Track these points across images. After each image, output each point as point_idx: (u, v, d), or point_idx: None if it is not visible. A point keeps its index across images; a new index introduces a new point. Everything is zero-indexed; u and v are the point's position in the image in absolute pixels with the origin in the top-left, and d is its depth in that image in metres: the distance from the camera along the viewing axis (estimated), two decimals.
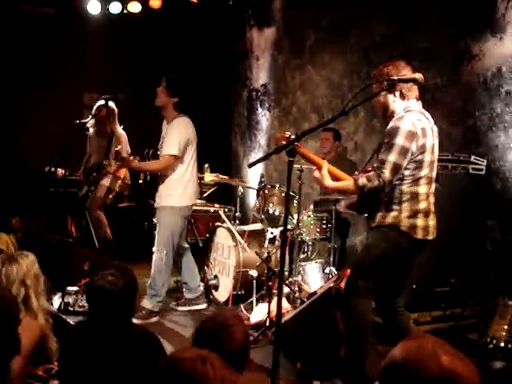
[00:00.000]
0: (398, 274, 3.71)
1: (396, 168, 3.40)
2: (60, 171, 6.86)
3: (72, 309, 5.07)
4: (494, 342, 4.35)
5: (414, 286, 4.75)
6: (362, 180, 3.43)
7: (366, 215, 3.83)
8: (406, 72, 3.42)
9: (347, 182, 3.60)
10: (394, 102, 3.57)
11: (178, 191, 5.30)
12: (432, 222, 3.59)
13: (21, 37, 7.97)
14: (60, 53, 8.21)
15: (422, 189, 3.52)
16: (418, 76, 3.21)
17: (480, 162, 5.02)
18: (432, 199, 3.61)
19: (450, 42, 5.55)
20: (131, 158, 5.34)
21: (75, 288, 5.38)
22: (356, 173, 3.65)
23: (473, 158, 5.01)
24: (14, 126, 8.08)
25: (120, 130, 6.55)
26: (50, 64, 8.19)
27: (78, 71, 8.38)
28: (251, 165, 2.97)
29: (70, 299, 5.16)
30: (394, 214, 3.52)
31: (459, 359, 1.42)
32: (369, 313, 3.71)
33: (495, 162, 5.11)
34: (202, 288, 5.77)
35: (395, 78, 3.10)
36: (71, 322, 3.90)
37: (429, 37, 5.74)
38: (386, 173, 3.38)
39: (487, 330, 4.45)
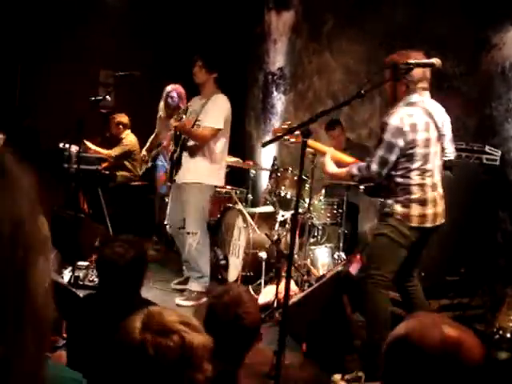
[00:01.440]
0: (406, 257, 3.76)
1: (383, 161, 3.58)
2: (74, 148, 6.90)
3: (82, 283, 5.13)
4: (501, 332, 4.34)
5: (423, 274, 4.77)
6: (354, 170, 3.69)
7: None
8: (420, 58, 3.44)
9: (343, 170, 3.83)
10: (401, 92, 3.64)
11: (215, 168, 5.26)
12: (431, 210, 3.68)
13: (38, 13, 7.97)
14: (77, 30, 8.21)
15: (414, 180, 3.64)
16: (436, 61, 3.18)
17: (494, 153, 4.99)
18: (431, 188, 3.69)
19: (469, 30, 5.49)
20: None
21: (86, 263, 5.43)
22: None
23: (487, 148, 4.98)
24: (29, 102, 8.11)
25: None
26: (67, 41, 8.19)
27: (95, 48, 8.39)
28: (265, 144, 2.98)
29: (81, 273, 5.21)
30: (389, 202, 3.69)
31: (461, 329, 1.44)
32: (386, 302, 3.78)
33: (510, 153, 5.08)
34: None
35: (412, 61, 3.08)
36: (80, 295, 3.95)
37: (448, 25, 5.69)
38: (374, 165, 3.59)
39: (494, 321, 4.45)
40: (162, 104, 6.69)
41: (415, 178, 3.64)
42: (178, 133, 5.39)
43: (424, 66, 3.31)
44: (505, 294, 4.48)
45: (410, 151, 3.57)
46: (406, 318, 1.53)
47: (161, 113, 6.78)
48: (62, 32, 8.15)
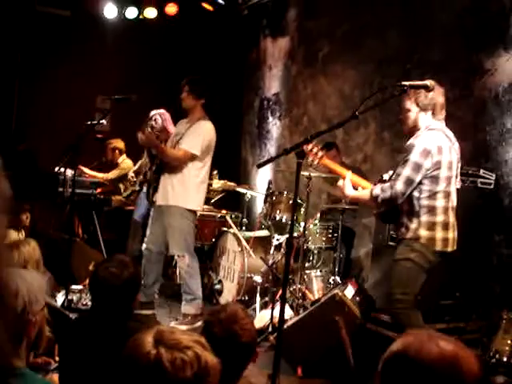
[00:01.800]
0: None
1: (408, 181, 3.61)
2: (69, 172, 6.90)
3: (75, 306, 5.09)
4: (497, 356, 4.32)
5: (419, 298, 4.74)
6: (376, 190, 3.70)
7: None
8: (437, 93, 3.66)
9: (365, 192, 3.84)
10: (423, 119, 3.76)
11: (200, 195, 5.28)
12: (451, 234, 3.76)
13: (36, 38, 8.04)
14: (74, 55, 8.27)
15: (439, 202, 3.69)
16: (430, 83, 3.22)
17: (489, 177, 5.00)
18: (452, 212, 3.78)
19: (463, 56, 5.55)
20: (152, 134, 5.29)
21: (79, 287, 5.40)
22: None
23: (482, 171, 4.99)
24: (26, 127, 8.13)
25: None
26: (64, 66, 8.25)
27: (92, 74, 8.44)
28: (260, 165, 2.99)
29: (74, 297, 5.18)
30: (413, 226, 3.71)
31: (458, 344, 1.44)
32: (421, 322, 3.81)
33: (504, 177, 5.10)
34: (156, 295, 5.67)
35: (406, 83, 3.11)
36: (72, 317, 3.92)
37: (442, 50, 5.75)
38: (399, 184, 3.61)
39: (490, 345, 4.42)
40: (147, 130, 6.62)
41: (440, 200, 3.69)
42: (152, 151, 5.38)
43: (418, 87, 3.35)
44: (500, 317, 4.45)
45: (435, 173, 3.63)
46: (401, 335, 1.52)
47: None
48: (59, 57, 8.21)
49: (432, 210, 3.68)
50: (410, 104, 3.74)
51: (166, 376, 1.38)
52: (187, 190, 5.21)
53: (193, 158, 5.15)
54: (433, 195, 3.67)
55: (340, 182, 3.91)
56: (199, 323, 5.11)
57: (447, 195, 3.71)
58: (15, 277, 1.99)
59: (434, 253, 3.69)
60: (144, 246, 5.44)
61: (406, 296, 3.74)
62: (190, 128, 5.23)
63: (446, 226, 3.70)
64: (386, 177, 5.17)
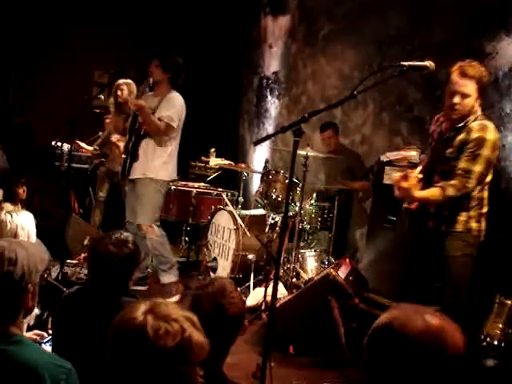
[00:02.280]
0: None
1: (481, 178, 3.51)
2: (66, 146, 6.88)
3: (69, 280, 5.09)
4: (488, 339, 4.35)
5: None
6: (449, 191, 3.47)
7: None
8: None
9: (435, 193, 3.52)
10: (477, 106, 3.58)
11: (170, 165, 5.29)
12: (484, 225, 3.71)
13: (33, 13, 7.97)
14: (72, 28, 8.21)
15: (486, 193, 3.64)
16: (429, 64, 3.18)
17: None
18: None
19: (464, 38, 5.51)
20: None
21: (74, 261, 5.40)
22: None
23: None
24: (24, 100, 8.09)
25: None
26: (62, 40, 8.19)
27: (90, 48, 8.37)
28: (257, 142, 2.98)
29: (69, 271, 5.18)
30: (462, 219, 3.61)
31: (443, 318, 1.45)
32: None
33: (501, 161, 5.09)
34: (149, 270, 5.71)
35: (406, 64, 3.08)
36: (66, 291, 3.92)
37: (443, 32, 5.71)
38: (473, 182, 3.48)
39: (481, 328, 4.45)
40: (111, 99, 6.55)
41: (486, 191, 3.64)
42: (135, 121, 5.37)
43: (418, 68, 3.29)
44: (493, 301, 4.48)
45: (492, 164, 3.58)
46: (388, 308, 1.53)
47: (111, 108, 6.66)
48: (56, 30, 8.15)
49: (481, 202, 3.62)
50: (472, 89, 3.50)
51: (148, 342, 1.42)
52: (168, 162, 5.26)
53: (171, 130, 5.19)
54: (483, 187, 3.60)
55: (404, 184, 3.48)
56: (181, 287, 5.24)
57: (488, 186, 3.64)
58: (16, 246, 2.02)
59: (480, 243, 3.64)
60: (126, 219, 5.48)
61: (463, 293, 3.66)
62: (163, 101, 5.24)
63: (485, 217, 3.66)
64: (383, 158, 5.19)
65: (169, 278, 5.28)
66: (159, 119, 5.14)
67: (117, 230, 2.83)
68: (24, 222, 3.26)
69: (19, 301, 1.99)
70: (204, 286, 2.43)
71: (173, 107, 5.20)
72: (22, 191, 5.39)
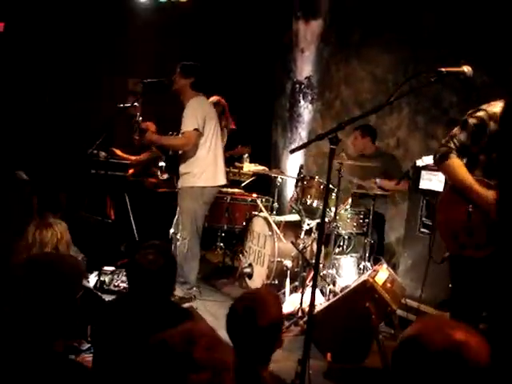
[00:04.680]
0: None
1: None
2: (102, 154, 6.97)
3: (107, 287, 5.16)
4: None
5: (450, 285, 4.70)
6: None
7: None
8: None
9: None
10: None
11: (199, 170, 5.31)
12: None
13: (67, 21, 8.08)
14: (107, 38, 8.30)
15: None
16: (467, 69, 3.13)
17: None
18: None
19: (498, 41, 5.43)
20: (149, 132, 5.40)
21: (111, 268, 5.47)
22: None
23: None
24: (59, 109, 8.20)
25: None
26: (97, 49, 8.29)
27: (124, 57, 8.47)
28: (293, 151, 2.97)
29: (106, 278, 5.25)
30: None
31: (468, 331, 1.46)
32: None
33: None
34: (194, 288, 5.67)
35: (443, 70, 3.04)
36: (105, 300, 3.97)
37: (477, 34, 5.63)
38: None
39: None
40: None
41: None
42: None
43: (456, 74, 3.24)
44: None
45: None
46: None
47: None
48: (91, 40, 8.25)
49: None
50: None
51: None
52: (197, 167, 5.31)
53: (198, 135, 5.24)
54: None
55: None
56: (186, 305, 5.19)
57: None
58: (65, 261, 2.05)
59: None
60: (171, 230, 5.55)
61: None
62: (184, 111, 5.34)
63: None
64: (419, 163, 5.14)
65: (178, 291, 5.28)
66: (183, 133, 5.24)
67: (155, 241, 2.86)
68: (64, 232, 3.32)
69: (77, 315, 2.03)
70: (247, 292, 2.47)
71: (191, 113, 5.26)
72: (63, 198, 5.48)
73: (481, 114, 3.25)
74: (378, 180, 5.82)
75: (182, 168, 5.36)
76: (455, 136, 3.30)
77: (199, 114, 5.27)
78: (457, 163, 3.28)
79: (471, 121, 3.25)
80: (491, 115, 3.21)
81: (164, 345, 1.40)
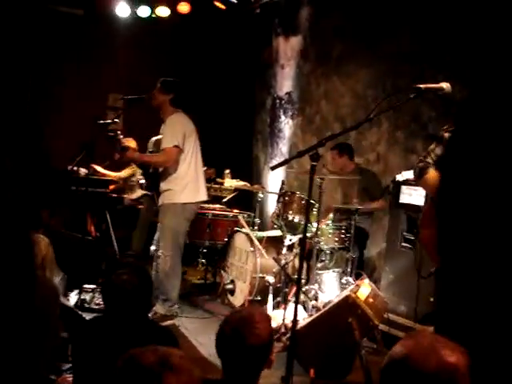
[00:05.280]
0: None
1: None
2: (82, 170, 6.93)
3: (88, 306, 5.10)
4: None
5: (432, 299, 4.72)
6: None
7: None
8: None
9: None
10: None
11: (180, 187, 5.31)
12: None
13: (48, 37, 8.07)
14: (87, 54, 8.30)
15: None
16: (446, 85, 3.17)
17: None
18: None
19: (476, 56, 5.50)
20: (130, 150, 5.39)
21: (92, 286, 5.41)
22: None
23: None
24: (39, 125, 8.15)
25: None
26: (77, 64, 8.28)
27: (104, 73, 8.46)
28: (274, 167, 2.98)
29: (87, 296, 5.19)
30: None
31: (458, 351, 1.43)
32: None
33: None
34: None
35: (422, 86, 3.07)
36: (86, 318, 3.93)
37: (456, 50, 5.70)
38: None
39: None
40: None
41: None
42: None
43: (434, 90, 3.28)
44: None
45: None
46: (401, 339, 1.51)
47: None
48: (71, 56, 8.24)
49: None
50: None
51: None
52: (178, 184, 5.31)
53: (178, 151, 5.25)
54: None
55: None
56: (169, 322, 5.16)
57: None
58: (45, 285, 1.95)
59: None
60: (152, 248, 5.52)
61: None
62: (163, 129, 5.38)
63: None
64: (399, 178, 5.17)
65: (158, 308, 5.25)
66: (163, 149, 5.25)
67: (130, 259, 2.84)
68: (48, 248, 3.28)
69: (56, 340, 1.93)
70: (234, 312, 2.45)
71: (169, 131, 5.28)
72: (45, 215, 5.42)
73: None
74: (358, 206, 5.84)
75: (163, 185, 5.35)
76: (432, 150, 3.33)
77: (179, 131, 5.27)
78: (433, 177, 3.32)
79: (446, 135, 3.28)
80: None
81: (134, 362, 1.38)
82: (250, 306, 5.35)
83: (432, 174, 3.29)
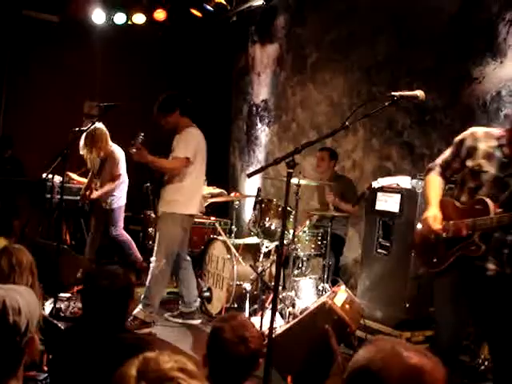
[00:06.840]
0: None
1: None
2: (57, 178, 6.86)
3: (63, 314, 5.05)
4: (486, 363, 4.34)
5: (408, 305, 4.76)
6: None
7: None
8: None
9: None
10: None
11: (185, 198, 5.33)
12: None
13: (23, 43, 8.00)
14: (62, 61, 8.23)
15: None
16: (420, 93, 3.21)
17: None
18: None
19: (451, 64, 5.59)
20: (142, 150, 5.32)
21: (67, 294, 5.36)
22: None
23: None
24: (13, 133, 8.07)
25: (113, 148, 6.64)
26: (51, 71, 8.21)
27: (79, 80, 8.39)
28: (250, 175, 2.98)
29: (62, 305, 5.14)
30: None
31: (421, 354, 1.41)
32: None
33: None
34: (197, 304, 5.73)
35: (397, 94, 3.11)
36: (62, 327, 3.88)
37: (430, 58, 5.79)
38: None
39: (479, 352, 4.44)
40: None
41: None
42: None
43: (408, 98, 3.31)
44: None
45: None
46: (363, 346, 1.49)
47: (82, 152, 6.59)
48: (46, 62, 8.17)
49: None
50: None
51: None
52: (184, 194, 5.32)
53: (187, 162, 5.27)
54: None
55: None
56: (146, 330, 5.15)
57: None
58: (14, 294, 1.89)
59: None
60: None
61: None
62: (177, 138, 5.37)
63: None
64: (375, 184, 5.21)
65: (139, 313, 5.22)
66: (174, 157, 5.27)
67: (109, 265, 2.82)
68: (28, 257, 3.23)
69: (24, 352, 1.87)
70: (225, 319, 2.50)
71: (184, 140, 5.30)
72: (16, 224, 5.36)
73: (465, 132, 3.35)
74: (336, 199, 5.89)
75: (168, 194, 5.36)
76: (443, 153, 3.45)
77: (193, 146, 5.32)
78: (431, 179, 3.40)
79: (456, 138, 3.36)
80: (473, 133, 3.29)
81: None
82: (233, 312, 5.34)
83: (431, 176, 3.44)
